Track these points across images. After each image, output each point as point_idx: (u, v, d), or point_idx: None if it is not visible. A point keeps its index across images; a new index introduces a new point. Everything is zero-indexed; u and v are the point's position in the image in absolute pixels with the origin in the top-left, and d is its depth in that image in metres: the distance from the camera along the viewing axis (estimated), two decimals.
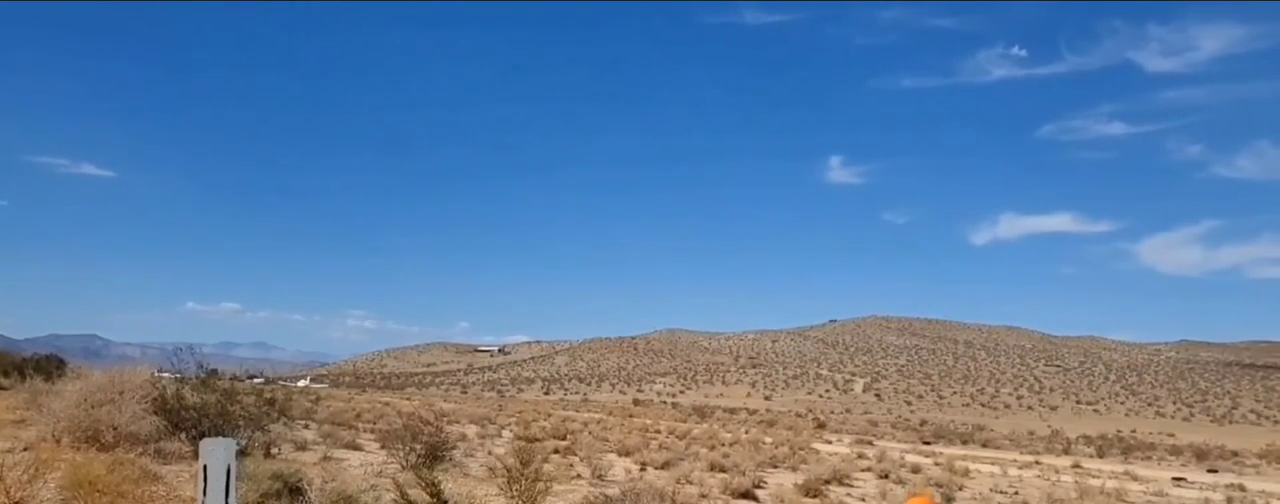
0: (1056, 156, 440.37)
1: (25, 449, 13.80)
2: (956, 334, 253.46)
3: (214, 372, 15.94)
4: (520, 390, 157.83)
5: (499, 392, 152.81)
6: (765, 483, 20.73)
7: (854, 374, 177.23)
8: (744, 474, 21.04)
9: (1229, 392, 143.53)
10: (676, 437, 38.19)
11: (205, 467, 6.00)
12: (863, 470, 27.17)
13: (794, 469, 26.34)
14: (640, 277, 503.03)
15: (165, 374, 18.26)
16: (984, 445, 56.03)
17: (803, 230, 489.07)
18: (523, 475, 9.25)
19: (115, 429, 14.28)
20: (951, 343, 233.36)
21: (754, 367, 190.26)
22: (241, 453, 13.59)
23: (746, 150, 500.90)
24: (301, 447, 19.44)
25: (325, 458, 17.85)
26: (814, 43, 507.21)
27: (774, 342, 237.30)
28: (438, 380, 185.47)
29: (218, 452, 5.96)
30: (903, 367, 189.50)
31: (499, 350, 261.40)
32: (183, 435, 14.60)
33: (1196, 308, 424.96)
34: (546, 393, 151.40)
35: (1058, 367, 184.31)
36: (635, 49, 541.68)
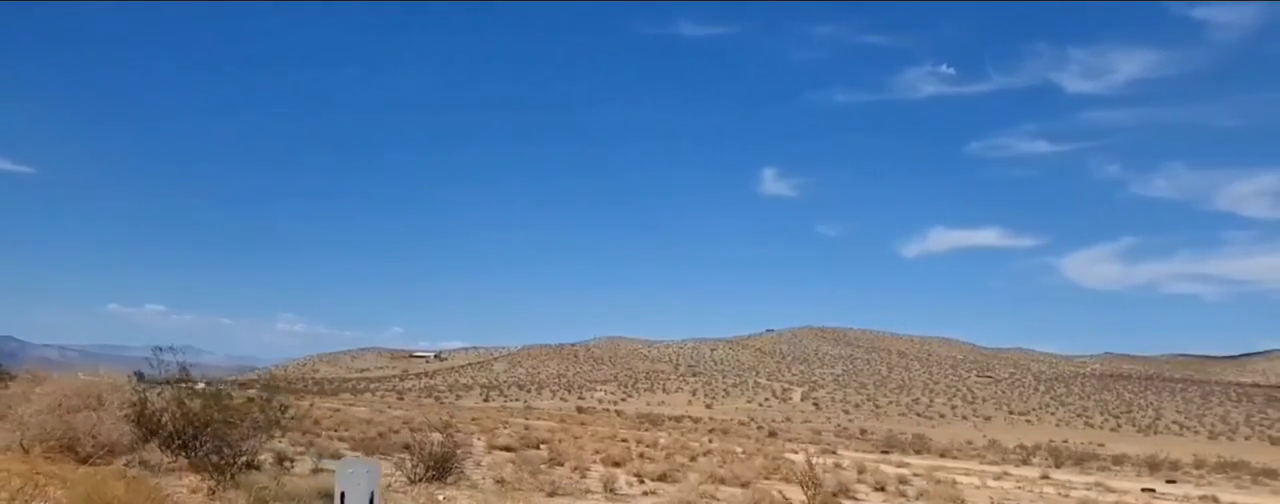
0: (983, 172, 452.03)
1: None
2: (890, 344, 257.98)
3: (203, 381, 14.35)
4: (458, 397, 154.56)
5: (437, 398, 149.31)
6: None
7: (791, 383, 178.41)
8: (745, 485, 20.20)
9: (1152, 403, 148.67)
10: (648, 446, 37.17)
11: (343, 494, 4.82)
12: (856, 483, 26.53)
13: (786, 480, 25.54)
14: (578, 283, 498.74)
15: (131, 377, 16.59)
16: (941, 455, 56.34)
17: (738, 240, 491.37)
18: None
19: (94, 438, 12.69)
20: (885, 353, 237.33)
21: (694, 375, 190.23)
22: (249, 465, 12.17)
23: (681, 160, 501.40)
24: (284, 458, 17.87)
25: (316, 470, 16.39)
26: (749, 56, 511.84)
27: (713, 350, 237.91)
28: (373, 386, 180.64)
29: (359, 476, 4.77)
30: (839, 376, 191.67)
31: (435, 357, 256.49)
32: (174, 446, 13.05)
33: (1117, 322, 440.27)
34: (486, 400, 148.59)
35: (989, 377, 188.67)
36: (570, 57, 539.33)
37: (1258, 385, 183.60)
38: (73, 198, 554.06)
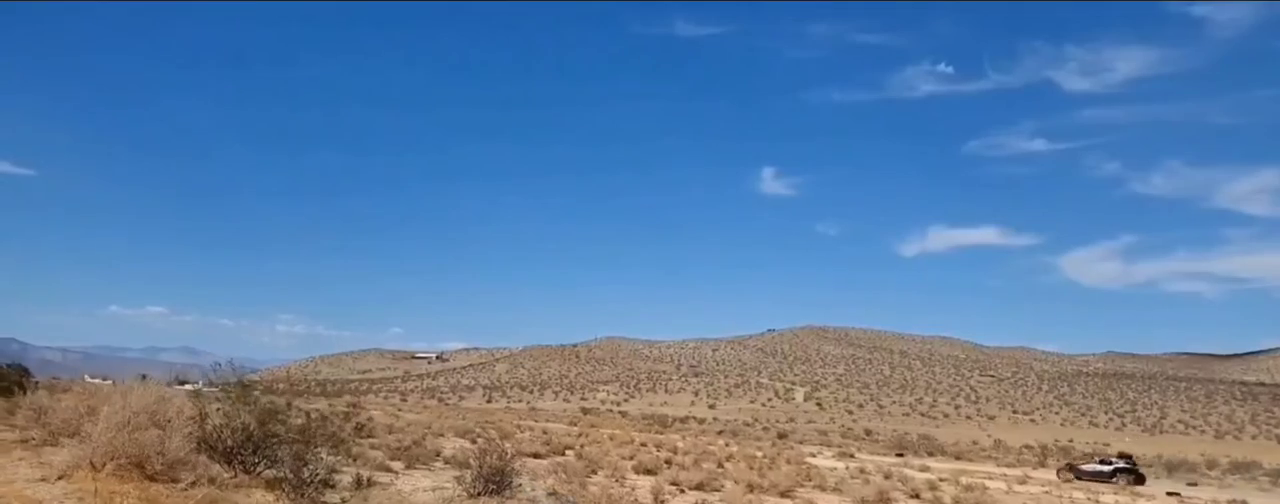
0: (982, 171, 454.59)
1: (60, 478, 12.14)
2: (892, 344, 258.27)
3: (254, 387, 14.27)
4: (461, 398, 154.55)
5: (440, 399, 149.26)
6: None
7: (794, 383, 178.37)
8: (785, 493, 20.15)
9: (1156, 402, 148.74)
10: (670, 450, 37.12)
11: None
12: (892, 491, 26.45)
13: (821, 488, 25.50)
14: (578, 284, 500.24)
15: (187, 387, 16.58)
16: (956, 457, 56.30)
17: (738, 240, 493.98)
18: None
19: (163, 456, 12.66)
20: (887, 352, 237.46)
21: (696, 375, 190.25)
22: (324, 484, 12.09)
23: (681, 160, 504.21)
24: (336, 470, 17.75)
25: (370, 482, 16.29)
26: (746, 55, 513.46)
27: (714, 350, 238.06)
28: (375, 387, 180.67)
29: None
30: (841, 376, 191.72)
31: (437, 358, 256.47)
32: (235, 462, 12.97)
33: (1118, 320, 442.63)
34: (489, 401, 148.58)
35: (991, 377, 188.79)
36: (568, 57, 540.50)
37: (1263, 384, 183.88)
38: (73, 200, 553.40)
